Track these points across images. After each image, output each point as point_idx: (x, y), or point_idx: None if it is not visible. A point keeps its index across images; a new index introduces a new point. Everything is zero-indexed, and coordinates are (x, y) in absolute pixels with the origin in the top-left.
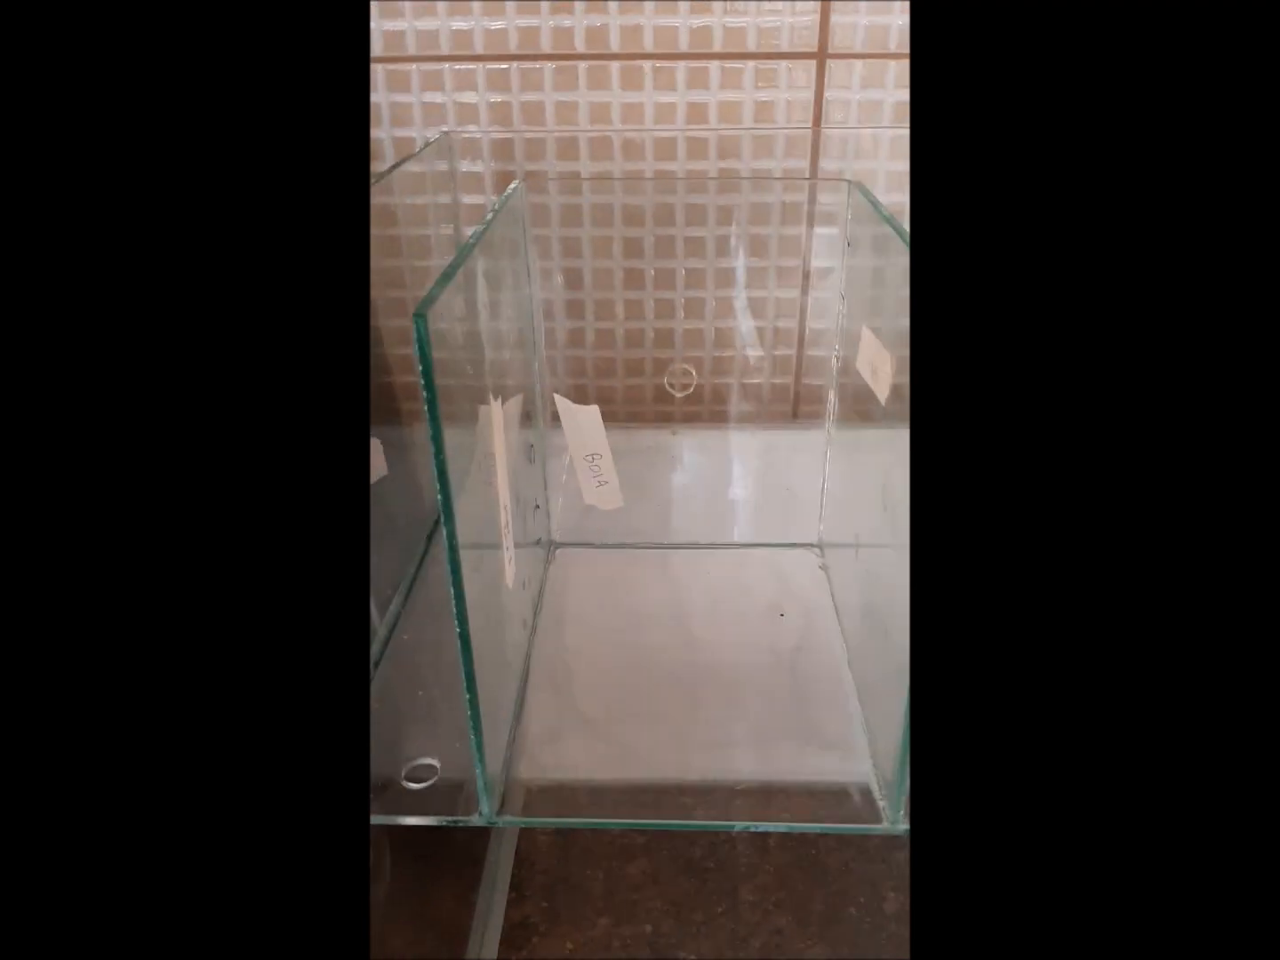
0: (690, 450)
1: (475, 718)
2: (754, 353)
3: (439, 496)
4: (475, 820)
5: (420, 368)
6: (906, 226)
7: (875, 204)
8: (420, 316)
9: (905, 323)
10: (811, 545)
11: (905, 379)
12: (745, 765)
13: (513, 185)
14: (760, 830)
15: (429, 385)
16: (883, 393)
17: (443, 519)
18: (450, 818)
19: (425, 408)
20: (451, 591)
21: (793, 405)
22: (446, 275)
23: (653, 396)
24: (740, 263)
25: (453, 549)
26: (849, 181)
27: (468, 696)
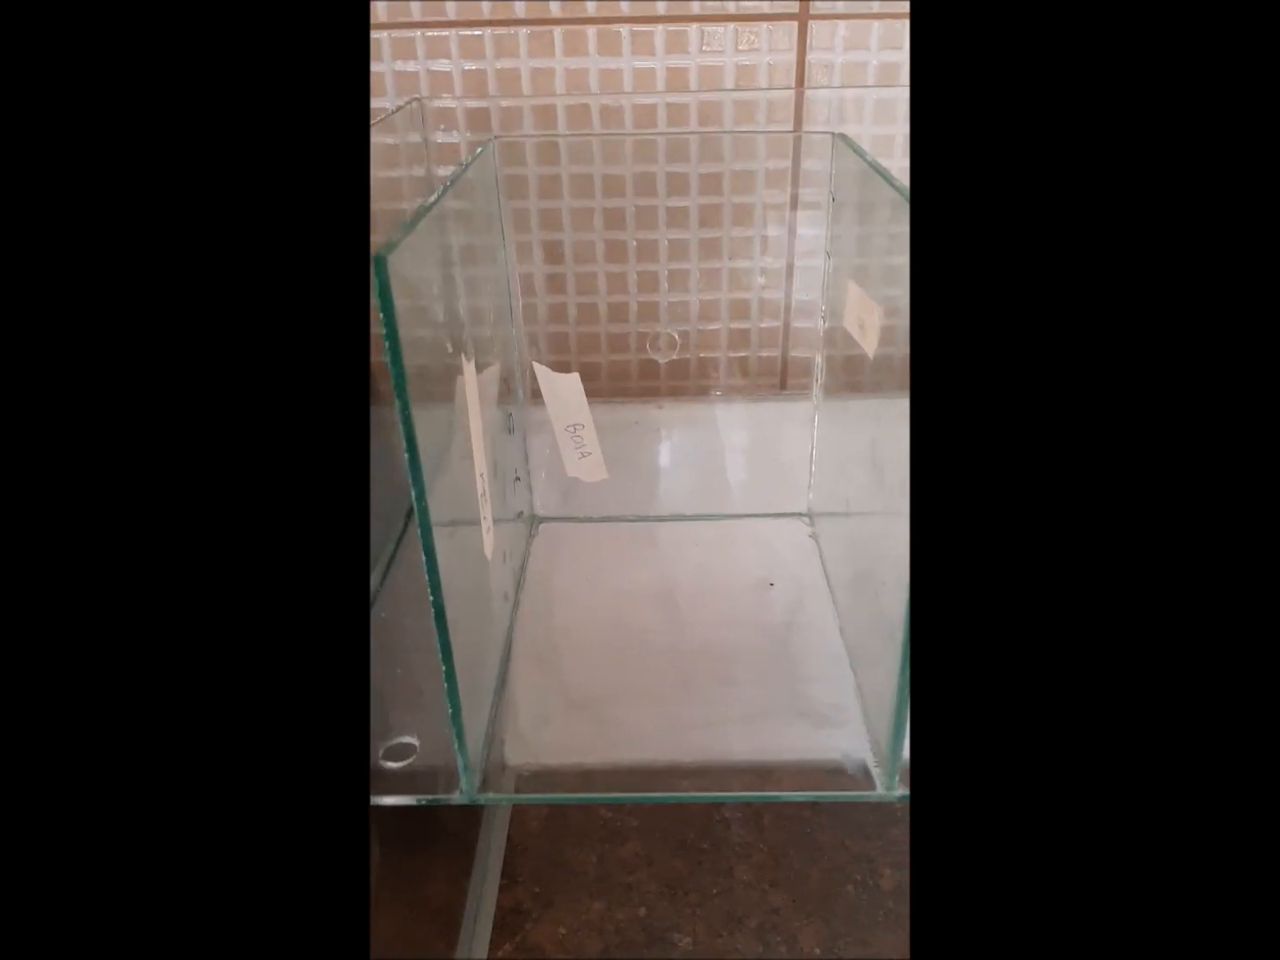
0: (676, 423)
1: (453, 691)
2: (737, 326)
3: (405, 452)
4: (456, 798)
5: (381, 315)
6: (891, 176)
7: (861, 153)
8: (379, 260)
9: (891, 268)
10: (800, 515)
11: (893, 326)
12: (739, 743)
13: (483, 145)
14: (751, 800)
15: (391, 334)
16: (871, 347)
17: (410, 477)
18: (429, 796)
19: (387, 358)
20: (424, 558)
21: (780, 378)
22: (410, 222)
23: (638, 371)
24: (725, 232)
25: (423, 511)
26: (834, 134)
27: (444, 668)
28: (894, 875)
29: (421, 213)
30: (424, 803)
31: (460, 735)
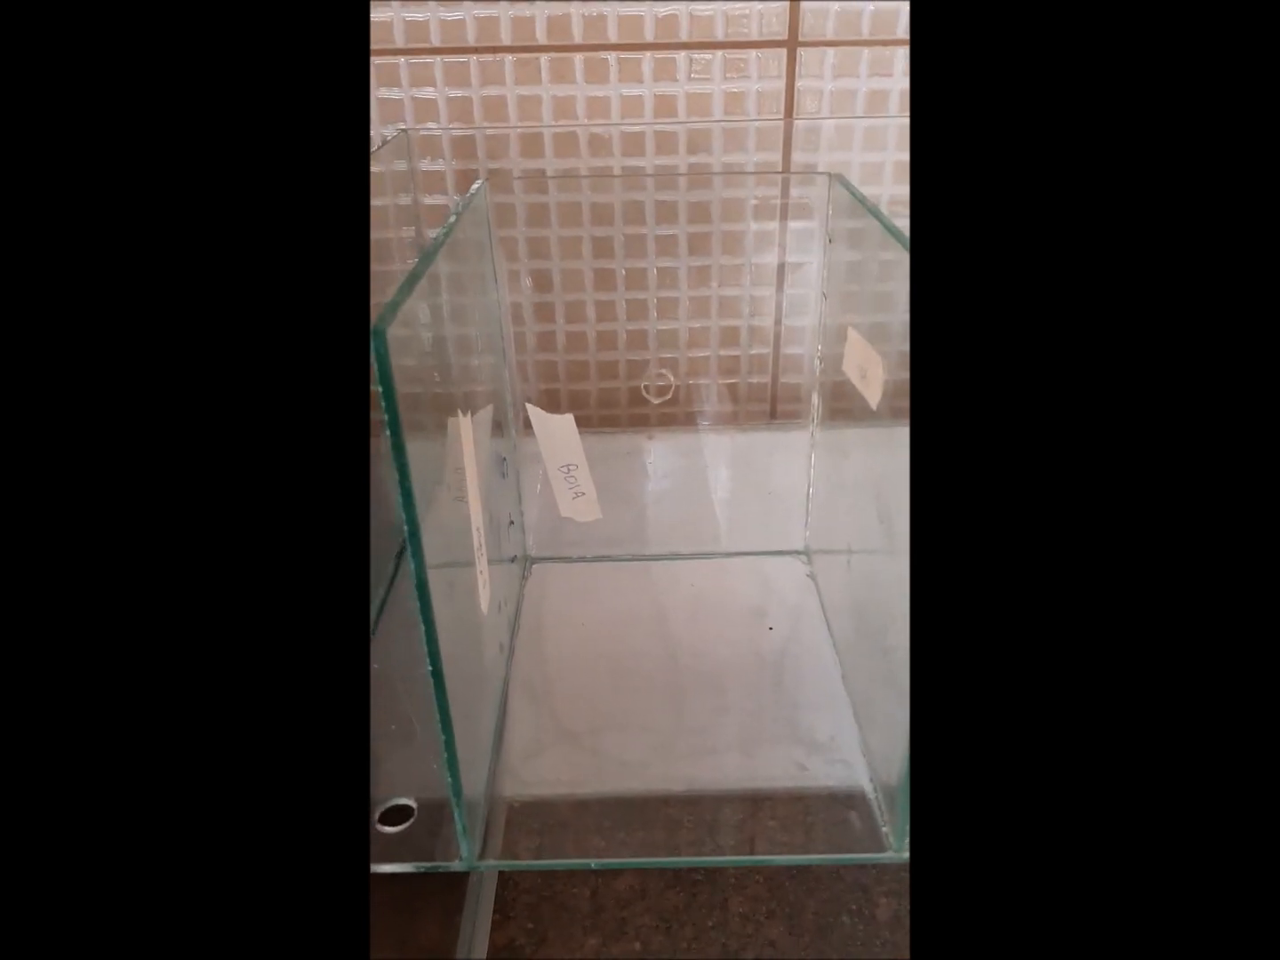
0: (668, 455)
1: (452, 760)
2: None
3: (405, 528)
4: (455, 866)
5: (380, 387)
6: (890, 221)
7: (860, 198)
8: (378, 333)
9: (888, 319)
10: (798, 552)
11: (897, 380)
12: (736, 783)
13: (476, 185)
14: (757, 864)
15: (390, 407)
16: (874, 397)
17: (410, 552)
18: (429, 863)
19: (387, 431)
20: (422, 630)
21: (770, 405)
22: (407, 285)
23: (628, 400)
24: (714, 260)
25: (421, 584)
26: (829, 174)
27: (443, 738)
28: (890, 904)
29: (418, 273)
30: (423, 870)
31: (460, 806)
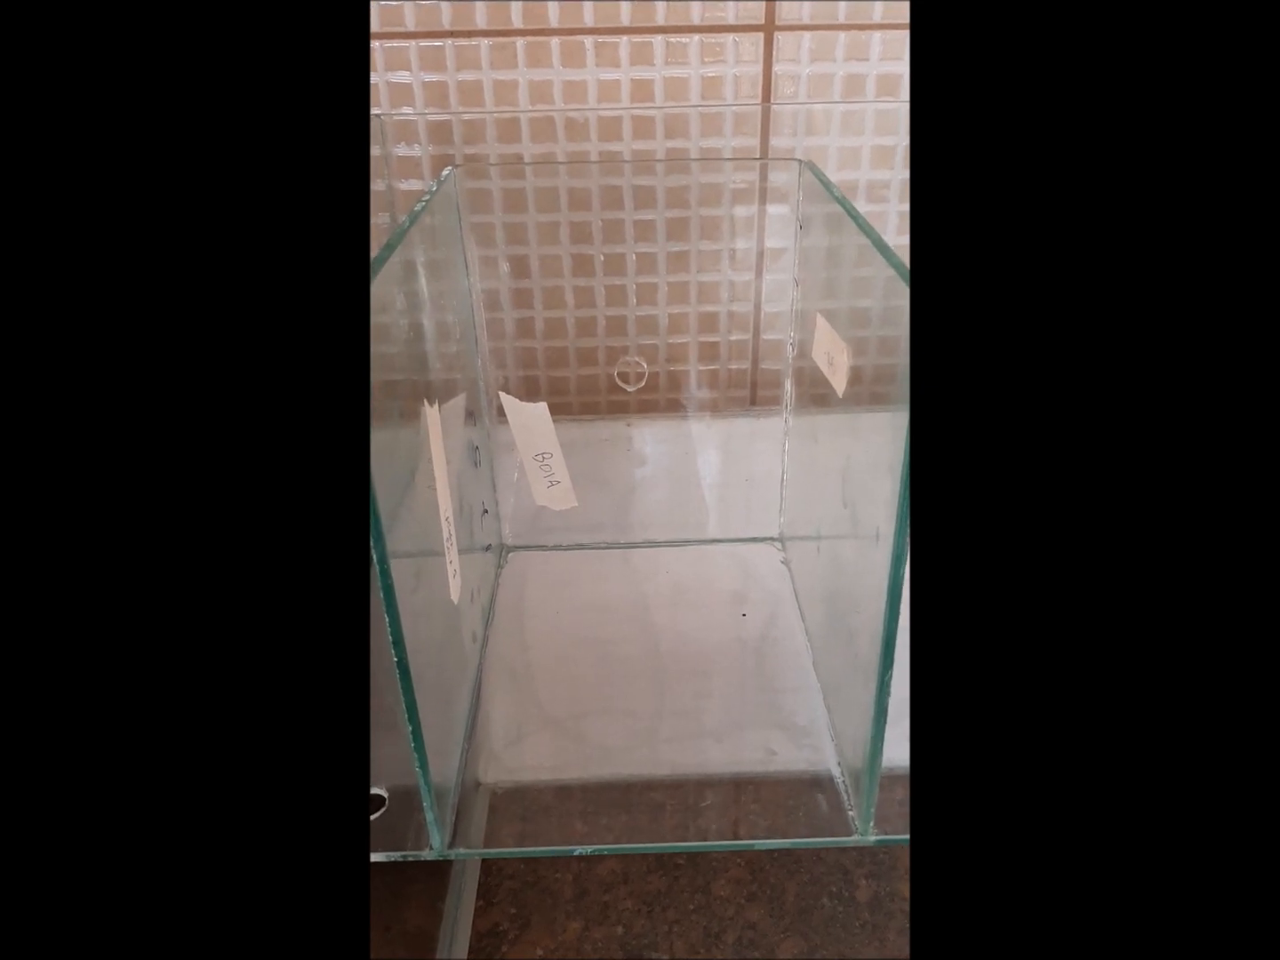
0: (647, 442)
1: (420, 750)
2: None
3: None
4: (426, 855)
5: None
6: (858, 205)
7: (826, 184)
8: None
9: (858, 304)
10: (773, 539)
11: (872, 365)
12: (714, 766)
13: (445, 172)
14: (729, 849)
15: None
16: (840, 385)
17: (371, 541)
18: (400, 853)
19: None
20: (386, 618)
21: (750, 391)
22: (371, 269)
23: (607, 387)
24: (693, 245)
25: (384, 574)
26: (800, 160)
27: (410, 728)
28: (869, 886)
29: (382, 257)
30: (394, 859)
31: (429, 795)
